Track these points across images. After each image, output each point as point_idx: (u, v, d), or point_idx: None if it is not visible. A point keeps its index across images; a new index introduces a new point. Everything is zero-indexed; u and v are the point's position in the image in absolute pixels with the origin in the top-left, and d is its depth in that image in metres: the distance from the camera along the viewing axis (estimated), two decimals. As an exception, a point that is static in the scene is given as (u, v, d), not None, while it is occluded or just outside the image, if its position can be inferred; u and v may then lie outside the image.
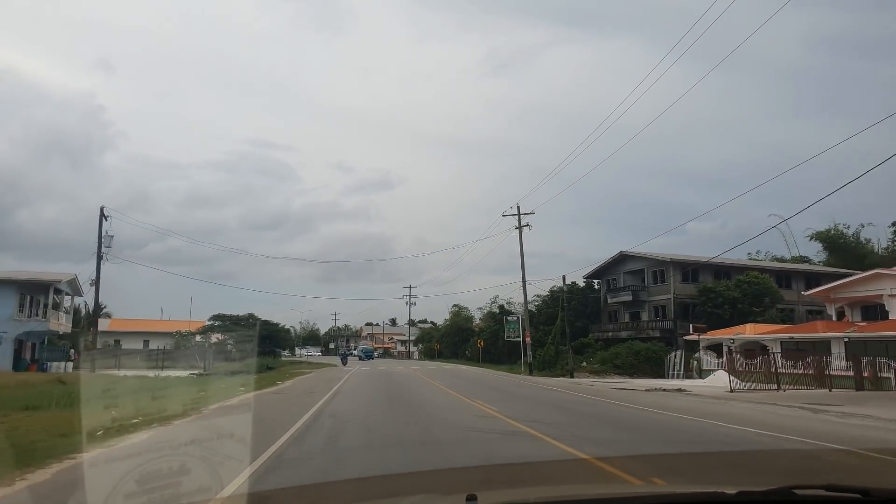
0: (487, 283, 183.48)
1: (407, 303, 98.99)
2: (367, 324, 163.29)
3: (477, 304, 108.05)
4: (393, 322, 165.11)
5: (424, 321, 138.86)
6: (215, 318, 57.36)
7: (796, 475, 5.33)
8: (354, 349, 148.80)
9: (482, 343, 57.89)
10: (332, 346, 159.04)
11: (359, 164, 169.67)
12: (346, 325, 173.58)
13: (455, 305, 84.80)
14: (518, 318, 46.63)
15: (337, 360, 72.85)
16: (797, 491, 2.20)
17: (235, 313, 58.66)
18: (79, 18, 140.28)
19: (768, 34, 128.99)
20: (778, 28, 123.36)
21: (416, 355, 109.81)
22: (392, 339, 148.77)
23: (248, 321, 58.46)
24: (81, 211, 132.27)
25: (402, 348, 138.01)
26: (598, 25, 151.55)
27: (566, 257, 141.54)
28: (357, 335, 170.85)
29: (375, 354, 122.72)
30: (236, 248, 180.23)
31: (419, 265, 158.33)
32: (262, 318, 60.37)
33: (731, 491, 2.21)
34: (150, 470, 4.05)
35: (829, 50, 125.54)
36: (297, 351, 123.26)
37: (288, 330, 58.56)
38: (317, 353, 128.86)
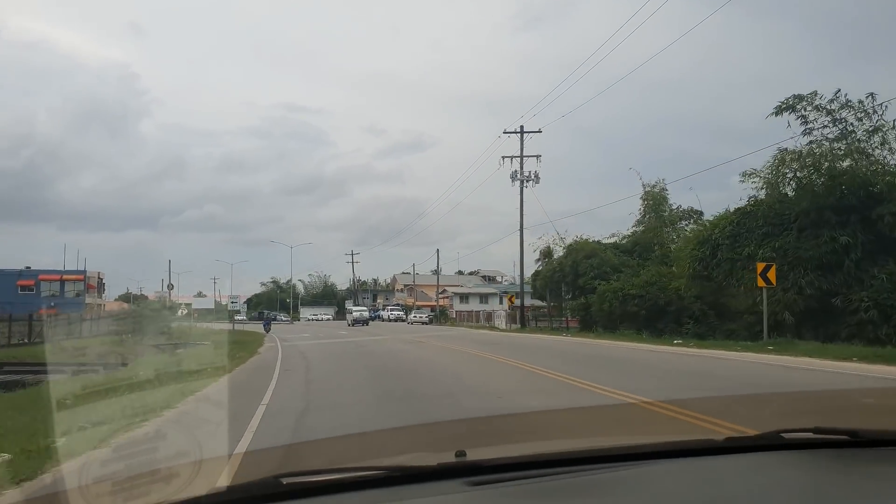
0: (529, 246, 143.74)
1: (516, 175, 39.92)
2: (404, 272, 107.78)
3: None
4: (434, 274, 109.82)
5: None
6: None
7: None
8: (385, 309, 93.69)
9: None
10: (349, 304, 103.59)
11: (391, 126, 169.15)
12: (373, 280, 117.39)
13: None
14: None
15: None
16: (785, 434, 2.22)
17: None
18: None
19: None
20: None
21: (500, 320, 53.72)
22: (444, 291, 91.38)
23: None
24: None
25: (465, 305, 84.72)
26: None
27: (602, 217, 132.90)
28: (389, 289, 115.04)
29: (423, 317, 66.03)
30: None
31: (453, 227, 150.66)
32: None
33: (719, 438, 2.25)
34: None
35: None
36: (302, 313, 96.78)
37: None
38: (326, 318, 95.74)
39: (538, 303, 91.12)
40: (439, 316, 70.41)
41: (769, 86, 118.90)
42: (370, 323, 60.45)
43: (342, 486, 1.82)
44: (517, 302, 41.85)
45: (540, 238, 40.87)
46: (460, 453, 1.97)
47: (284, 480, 1.76)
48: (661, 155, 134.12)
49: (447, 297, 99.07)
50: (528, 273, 44.28)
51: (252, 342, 31.54)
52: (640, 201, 36.18)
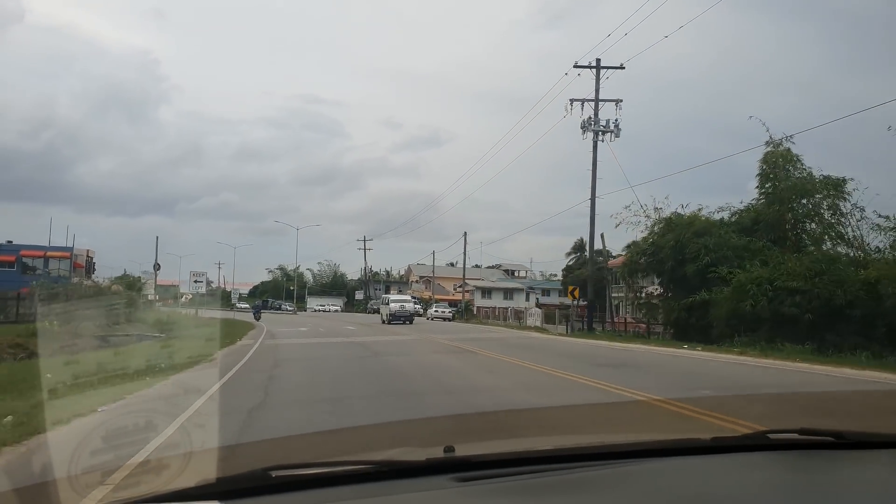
0: (542, 244, 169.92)
1: (588, 125, 30.17)
2: (419, 263, 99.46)
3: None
4: (451, 266, 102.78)
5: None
6: None
7: None
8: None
9: None
10: (359, 296, 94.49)
11: (407, 120, 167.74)
12: (386, 272, 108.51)
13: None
14: None
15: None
16: (771, 435, 2.22)
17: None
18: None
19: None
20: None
21: (533, 318, 44.83)
22: (464, 285, 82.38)
23: None
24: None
25: (487, 301, 78.59)
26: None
27: (619, 218, 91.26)
28: (403, 281, 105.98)
29: (445, 312, 56.57)
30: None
31: (467, 223, 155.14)
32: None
33: (706, 437, 2.21)
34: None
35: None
36: (309, 303, 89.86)
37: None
38: (334, 309, 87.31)
39: (566, 301, 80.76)
40: (464, 311, 60.87)
41: (784, 86, 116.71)
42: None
43: (330, 480, 1.79)
44: (578, 298, 32.02)
45: (627, 207, 30.23)
46: (448, 449, 1.95)
47: (273, 473, 1.73)
48: (678, 152, 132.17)
49: (468, 291, 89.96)
50: (548, 269, 34.81)
51: (225, 336, 22.62)
52: (759, 164, 26.51)
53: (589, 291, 30.20)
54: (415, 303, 76.06)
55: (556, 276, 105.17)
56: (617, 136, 29.17)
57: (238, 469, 1.83)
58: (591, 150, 29.26)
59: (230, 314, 50.90)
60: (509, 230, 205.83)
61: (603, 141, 29.23)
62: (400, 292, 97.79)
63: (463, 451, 1.98)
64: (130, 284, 42.81)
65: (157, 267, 64.14)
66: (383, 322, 42.10)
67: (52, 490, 2.86)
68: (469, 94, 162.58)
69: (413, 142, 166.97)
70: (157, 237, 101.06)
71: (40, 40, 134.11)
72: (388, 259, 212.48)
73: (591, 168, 29.16)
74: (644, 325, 29.77)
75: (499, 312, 61.43)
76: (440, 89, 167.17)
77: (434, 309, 55.41)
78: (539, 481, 1.80)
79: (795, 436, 2.18)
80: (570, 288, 31.82)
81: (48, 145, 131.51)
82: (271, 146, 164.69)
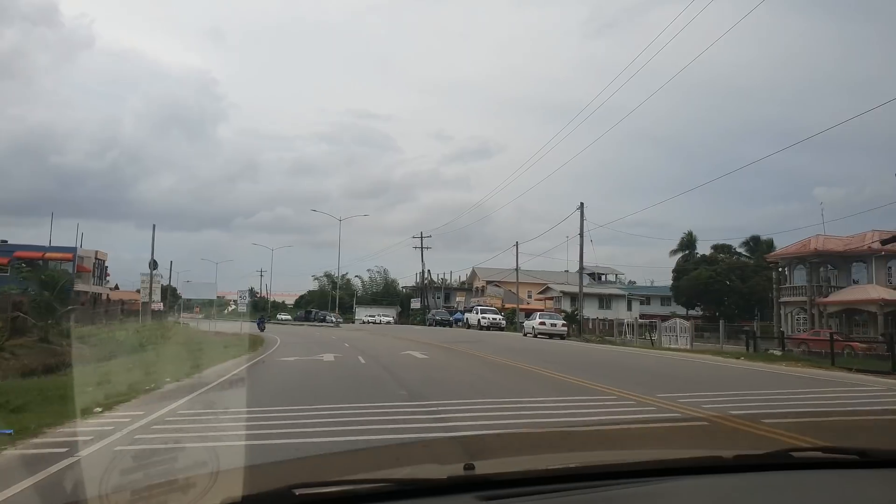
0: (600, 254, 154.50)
1: None
2: (481, 266, 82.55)
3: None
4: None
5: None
6: None
7: None
8: (473, 310, 66.56)
9: None
10: (415, 304, 78.11)
11: (457, 132, 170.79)
12: (442, 278, 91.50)
13: None
14: None
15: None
16: (794, 453, 2.21)
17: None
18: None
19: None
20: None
21: (679, 336, 26.82)
22: (546, 290, 65.35)
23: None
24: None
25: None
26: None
27: (673, 227, 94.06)
28: (466, 287, 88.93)
29: (556, 325, 39.11)
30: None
31: (520, 233, 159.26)
32: None
33: (728, 454, 2.19)
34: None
35: None
36: (357, 313, 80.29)
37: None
38: (386, 320, 73.80)
39: (676, 311, 60.97)
40: (579, 325, 43.42)
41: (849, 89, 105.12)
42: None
43: (353, 498, 1.81)
44: None
45: None
46: (468, 466, 1.96)
47: (297, 491, 1.76)
48: (737, 163, 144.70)
49: (550, 299, 72.73)
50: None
51: (139, 384, 5.99)
52: None
53: None
54: (491, 312, 58.88)
55: (634, 282, 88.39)
56: None
57: (264, 487, 1.84)
58: None
59: (244, 327, 36.35)
60: (560, 239, 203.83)
61: None
62: (467, 298, 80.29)
63: (483, 468, 1.98)
64: (47, 280, 26.31)
65: (153, 265, 48.93)
66: None
67: None
68: (519, 105, 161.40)
69: (463, 153, 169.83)
70: (154, 225, 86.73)
71: (107, 65, 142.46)
72: (441, 268, 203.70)
73: None
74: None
75: (610, 326, 44.04)
76: (490, 100, 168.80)
77: (539, 321, 37.70)
78: (562, 500, 1.81)
79: (819, 454, 2.17)
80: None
81: (112, 164, 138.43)
82: (325, 161, 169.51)
